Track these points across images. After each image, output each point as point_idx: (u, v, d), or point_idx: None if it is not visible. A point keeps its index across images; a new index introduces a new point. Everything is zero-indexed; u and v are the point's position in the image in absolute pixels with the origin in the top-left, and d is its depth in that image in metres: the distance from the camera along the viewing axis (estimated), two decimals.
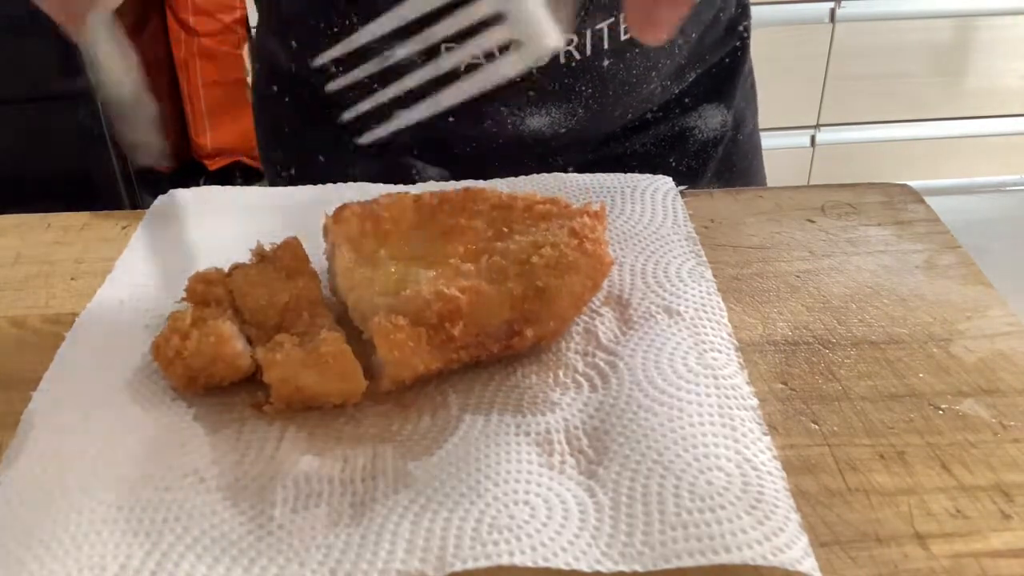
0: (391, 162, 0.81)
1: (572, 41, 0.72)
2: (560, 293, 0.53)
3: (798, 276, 0.60)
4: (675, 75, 0.80)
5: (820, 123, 2.35)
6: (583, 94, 0.76)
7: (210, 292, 0.55)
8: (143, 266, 0.63)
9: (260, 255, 0.57)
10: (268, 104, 0.88)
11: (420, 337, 0.50)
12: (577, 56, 0.73)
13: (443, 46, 0.73)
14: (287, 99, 0.85)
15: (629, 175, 0.70)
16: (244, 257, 0.60)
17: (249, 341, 0.53)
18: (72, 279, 0.63)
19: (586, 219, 0.57)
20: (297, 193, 0.71)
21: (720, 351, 0.53)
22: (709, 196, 0.69)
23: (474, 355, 0.52)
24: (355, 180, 0.75)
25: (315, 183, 0.79)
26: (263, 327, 0.54)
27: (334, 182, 0.74)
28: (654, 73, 0.77)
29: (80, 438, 0.49)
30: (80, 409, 0.51)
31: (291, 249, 0.57)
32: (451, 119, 0.78)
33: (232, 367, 0.50)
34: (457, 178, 0.80)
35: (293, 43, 0.81)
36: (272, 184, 0.89)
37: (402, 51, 0.74)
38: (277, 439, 0.49)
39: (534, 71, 0.73)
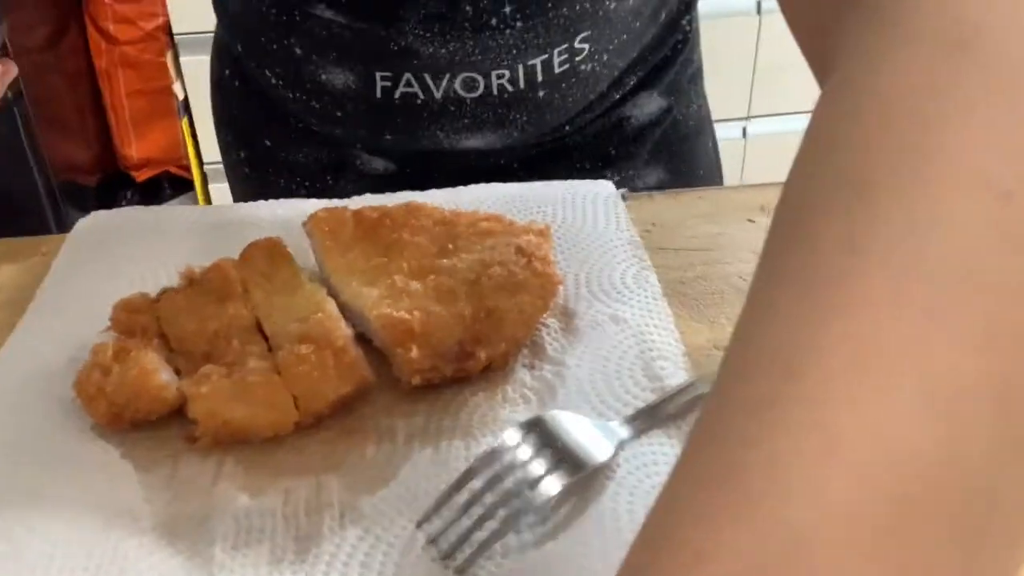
0: (336, 151, 0.79)
1: (504, 76, 0.71)
2: (511, 314, 0.52)
3: (742, 278, 0.60)
4: (615, 83, 0.79)
5: (751, 115, 2.38)
6: (518, 120, 0.74)
7: (135, 321, 0.53)
8: (66, 294, 0.60)
9: (189, 279, 0.55)
10: (220, 84, 0.85)
11: (325, 364, 0.48)
12: (510, 88, 0.71)
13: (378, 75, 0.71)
14: (236, 83, 0.82)
15: (569, 183, 0.69)
16: (174, 281, 0.58)
17: (178, 372, 0.51)
18: None
19: (532, 237, 0.56)
20: (221, 212, 0.68)
21: (667, 358, 0.52)
22: (650, 199, 0.68)
23: (427, 378, 0.50)
24: (301, 165, 0.75)
25: (261, 166, 0.77)
26: (191, 356, 0.51)
27: (279, 167, 0.74)
28: (592, 95, 0.76)
29: (4, 482, 0.46)
30: (3, 451, 0.48)
31: (221, 272, 0.54)
32: (388, 137, 0.76)
33: (157, 400, 0.48)
34: (402, 170, 0.78)
35: (239, 46, 0.78)
36: (226, 164, 0.88)
37: (339, 80, 0.72)
38: (213, 473, 0.47)
39: (468, 100, 0.72)
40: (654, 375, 0.51)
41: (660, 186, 0.83)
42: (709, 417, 0.26)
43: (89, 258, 0.63)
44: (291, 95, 0.76)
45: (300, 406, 0.48)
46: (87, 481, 0.47)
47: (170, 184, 2.39)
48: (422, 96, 0.72)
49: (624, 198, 0.68)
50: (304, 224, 0.59)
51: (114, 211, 0.68)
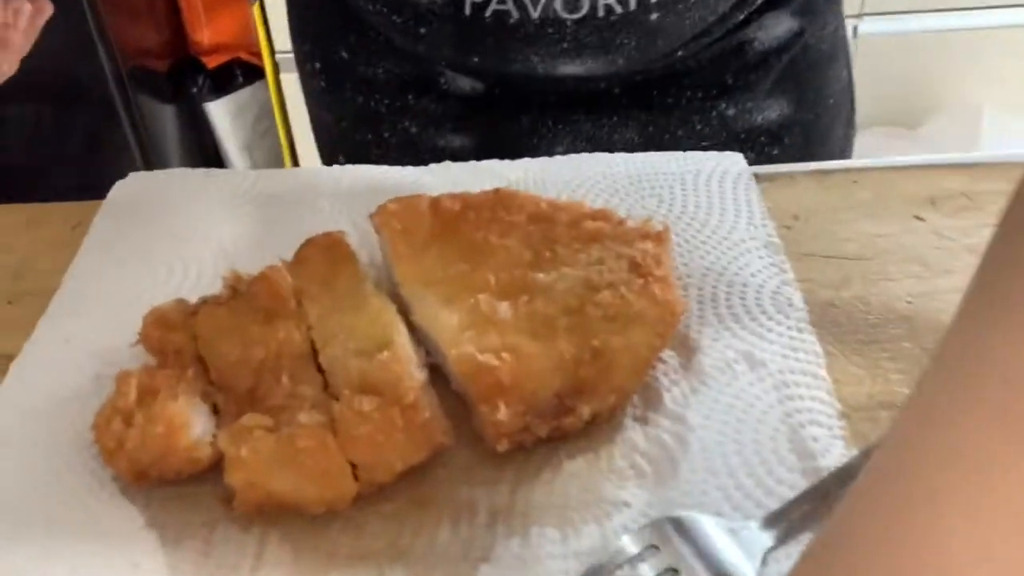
0: (418, 67, 0.68)
1: None
2: (622, 356, 0.41)
3: (910, 301, 0.48)
4: (739, 1, 0.65)
5: (864, 11, 2.15)
6: (625, 46, 0.62)
7: (168, 341, 0.44)
8: (95, 286, 0.51)
9: (233, 289, 0.46)
10: None
11: (393, 426, 0.38)
12: (619, 9, 0.58)
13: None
14: None
15: (691, 155, 0.57)
16: (219, 270, 0.49)
17: (215, 408, 0.42)
18: (9, 303, 0.51)
19: (648, 246, 0.45)
20: (276, 180, 0.58)
21: (820, 423, 0.41)
22: (790, 182, 0.56)
23: (516, 441, 0.40)
24: (380, 81, 0.68)
25: (338, 81, 0.71)
26: (232, 392, 0.42)
27: (357, 82, 0.68)
28: (712, 16, 0.63)
29: (5, 549, 0.39)
30: (6, 506, 0.40)
31: (270, 284, 0.45)
32: (475, 59, 0.65)
33: (188, 463, 0.39)
34: (491, 91, 0.67)
35: None
36: (301, 77, 0.78)
37: None
38: (254, 554, 0.38)
39: (568, 22, 0.59)
40: (804, 450, 0.40)
41: (782, 122, 0.71)
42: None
43: (123, 236, 0.54)
44: (370, 6, 0.65)
45: (360, 476, 0.39)
46: (103, 553, 0.38)
47: (242, 71, 2.29)
48: (516, 15, 0.60)
49: (757, 179, 0.55)
50: (372, 217, 0.48)
51: (154, 173, 0.59)
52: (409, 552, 0.38)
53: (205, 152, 2.06)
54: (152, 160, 1.77)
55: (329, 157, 0.78)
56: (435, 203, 0.48)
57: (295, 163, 1.84)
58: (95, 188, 0.58)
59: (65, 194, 0.58)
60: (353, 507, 0.39)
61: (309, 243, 0.47)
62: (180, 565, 0.38)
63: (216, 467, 0.40)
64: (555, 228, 0.47)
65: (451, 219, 0.48)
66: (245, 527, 0.39)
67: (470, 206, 0.48)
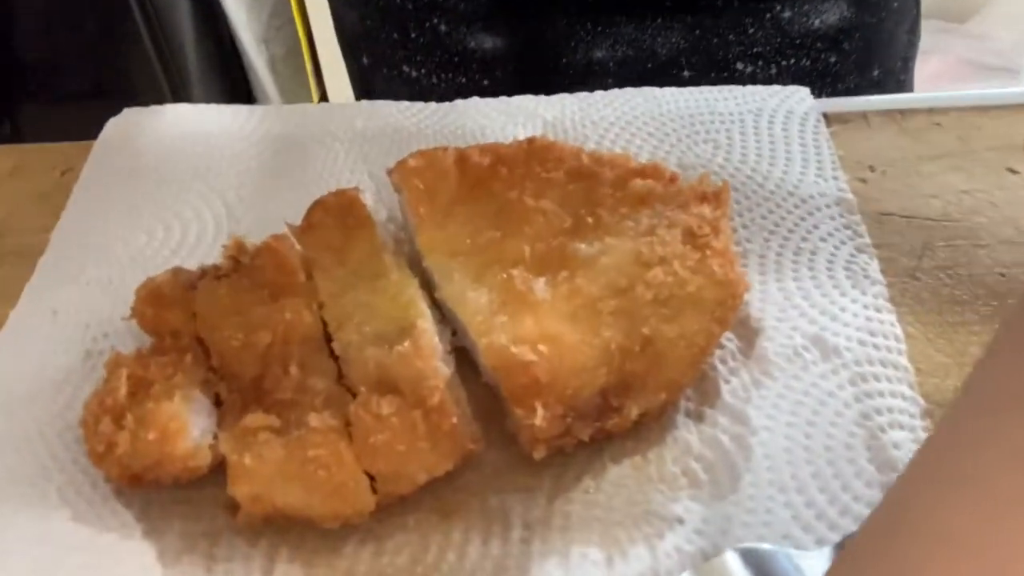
0: None
1: None
2: (676, 346, 0.36)
3: (1003, 273, 0.42)
4: None
5: None
6: None
7: (164, 320, 0.39)
8: (84, 244, 0.46)
9: (234, 259, 0.40)
10: None
11: (415, 432, 0.34)
12: None
13: None
14: None
15: (751, 90, 0.51)
16: (223, 226, 0.44)
17: (217, 400, 0.37)
18: None
19: (705, 210, 0.39)
20: (282, 117, 0.52)
21: (903, 425, 0.36)
22: (863, 123, 0.49)
23: (554, 447, 0.35)
24: None
25: None
26: (236, 380, 0.38)
27: None
28: None
29: None
30: None
31: (275, 256, 0.40)
32: None
33: (185, 470, 0.35)
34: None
35: None
36: None
37: None
38: (263, 573, 0.34)
39: None
40: (885, 460, 0.35)
41: (842, 26, 0.64)
42: None
43: (115, 187, 0.49)
44: None
45: (379, 488, 0.34)
46: (94, 570, 0.35)
47: None
48: None
49: (826, 120, 0.49)
50: (390, 174, 0.43)
51: (149, 110, 0.53)
52: (433, 571, 0.34)
53: (221, 44, 1.97)
54: (166, 55, 1.69)
55: (352, 58, 0.71)
56: (462, 157, 0.42)
57: (314, 60, 1.76)
58: (109, 92, 0.52)
59: (79, 97, 0.53)
60: (371, 518, 0.35)
61: (319, 205, 0.42)
62: None
63: (220, 468, 0.36)
64: (598, 188, 0.41)
65: (480, 176, 0.42)
66: (251, 540, 0.35)
67: (502, 160, 0.42)
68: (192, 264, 0.42)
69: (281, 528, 0.35)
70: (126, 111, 0.53)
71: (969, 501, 0.23)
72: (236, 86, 1.76)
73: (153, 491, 0.36)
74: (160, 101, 0.53)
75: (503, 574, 0.34)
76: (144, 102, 0.53)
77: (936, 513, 0.23)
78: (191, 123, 0.52)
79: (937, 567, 0.22)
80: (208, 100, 0.76)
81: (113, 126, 0.52)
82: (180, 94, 1.63)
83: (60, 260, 0.45)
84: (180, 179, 0.48)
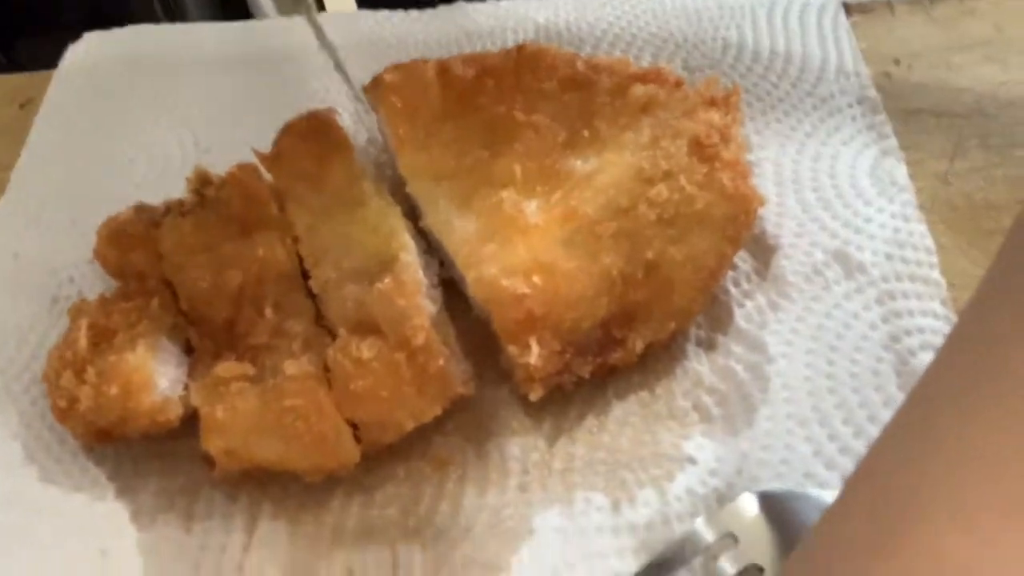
0: None
1: None
2: (683, 270, 0.33)
3: None
4: None
5: None
6: None
7: (128, 261, 0.36)
8: (47, 184, 0.43)
9: (198, 194, 0.37)
10: None
11: (399, 376, 0.31)
12: None
13: None
14: None
15: None
16: (190, 156, 0.41)
17: (189, 347, 0.35)
18: None
19: (714, 116, 0.35)
20: (253, 34, 0.48)
21: (935, 347, 0.33)
22: (888, 12, 0.44)
23: (552, 384, 0.33)
24: None
25: None
26: (207, 325, 0.35)
27: None
28: None
29: None
30: None
31: (244, 187, 0.36)
32: None
33: (153, 425, 0.32)
34: None
35: None
36: None
37: None
38: (244, 530, 0.32)
39: None
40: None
41: None
42: None
43: (78, 118, 0.45)
44: None
45: (363, 437, 0.32)
46: (68, 544, 0.32)
47: None
48: None
49: (847, 9, 0.44)
50: (366, 90, 0.39)
51: (111, 33, 0.49)
52: (427, 528, 0.32)
53: None
54: None
55: None
56: (444, 70, 0.38)
57: None
58: (107, 19, 0.48)
59: (76, 27, 0.49)
60: (358, 468, 0.32)
61: (290, 129, 0.38)
62: (157, 547, 0.32)
63: (196, 418, 0.33)
64: (595, 96, 0.38)
65: (465, 90, 0.38)
66: (232, 494, 0.33)
67: (488, 72, 0.38)
68: (160, 199, 0.38)
69: (263, 482, 0.33)
70: (87, 35, 0.49)
71: (998, 415, 0.19)
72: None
73: (124, 446, 0.34)
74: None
75: (500, 524, 0.31)
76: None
77: (961, 430, 0.20)
78: (157, 45, 0.48)
79: (962, 493, 0.19)
80: (203, 18, 0.72)
81: (73, 53, 0.48)
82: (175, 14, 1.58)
83: (21, 200, 0.42)
84: (145, 106, 0.45)
